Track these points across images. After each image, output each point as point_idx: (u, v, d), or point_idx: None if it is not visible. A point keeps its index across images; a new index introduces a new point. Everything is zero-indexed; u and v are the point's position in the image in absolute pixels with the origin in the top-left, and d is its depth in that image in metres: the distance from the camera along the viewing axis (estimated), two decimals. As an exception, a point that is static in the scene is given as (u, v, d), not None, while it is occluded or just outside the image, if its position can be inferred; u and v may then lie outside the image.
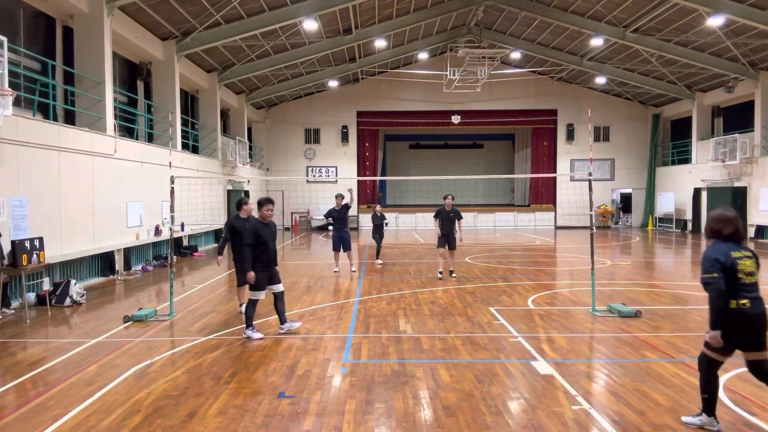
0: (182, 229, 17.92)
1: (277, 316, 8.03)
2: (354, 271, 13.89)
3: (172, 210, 9.52)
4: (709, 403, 4.63)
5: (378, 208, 15.94)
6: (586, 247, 10.34)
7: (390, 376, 6.08)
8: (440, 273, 12.96)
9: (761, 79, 22.52)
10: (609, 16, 21.04)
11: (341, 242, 13.88)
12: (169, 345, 7.47)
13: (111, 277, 13.50)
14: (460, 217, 12.83)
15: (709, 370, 4.63)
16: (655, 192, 30.39)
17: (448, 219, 12.75)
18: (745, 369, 4.73)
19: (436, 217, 12.98)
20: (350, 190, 14.82)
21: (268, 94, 28.00)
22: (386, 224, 15.93)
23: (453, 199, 12.88)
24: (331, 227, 14.53)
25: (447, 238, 12.80)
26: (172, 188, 9.33)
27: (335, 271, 13.87)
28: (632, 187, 31.33)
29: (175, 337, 7.92)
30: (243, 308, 9.42)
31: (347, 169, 30.96)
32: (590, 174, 9.32)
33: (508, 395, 5.54)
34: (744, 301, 4.43)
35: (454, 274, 13.01)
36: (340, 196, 14.10)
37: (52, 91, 12.79)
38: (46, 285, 10.66)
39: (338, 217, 13.97)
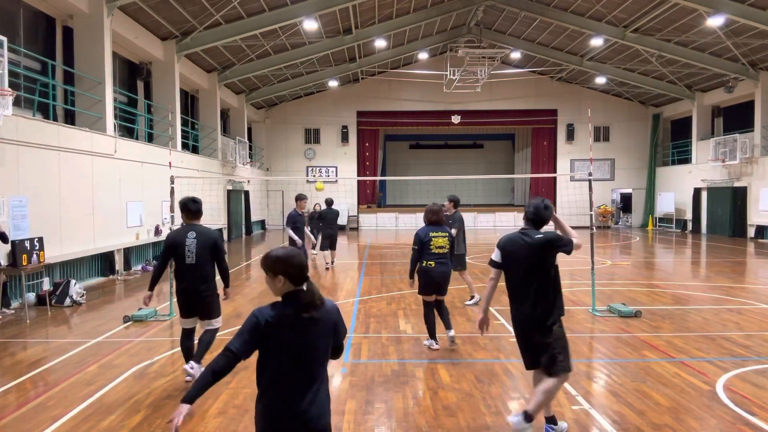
0: (182, 229, 17.87)
1: None
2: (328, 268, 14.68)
3: (172, 210, 9.51)
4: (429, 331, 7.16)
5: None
6: (586, 247, 10.34)
7: (390, 376, 6.08)
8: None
9: (761, 79, 22.50)
10: (609, 16, 21.03)
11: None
12: (169, 345, 7.47)
13: (111, 277, 13.50)
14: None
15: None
16: (655, 192, 30.37)
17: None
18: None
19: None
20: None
21: (268, 94, 27.98)
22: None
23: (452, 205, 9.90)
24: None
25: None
26: (172, 188, 9.34)
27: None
28: (632, 187, 31.31)
29: (175, 337, 7.91)
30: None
31: (347, 169, 30.93)
32: (590, 174, 9.31)
33: (508, 395, 5.54)
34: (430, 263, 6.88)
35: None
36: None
37: (52, 91, 12.79)
38: (46, 285, 10.67)
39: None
